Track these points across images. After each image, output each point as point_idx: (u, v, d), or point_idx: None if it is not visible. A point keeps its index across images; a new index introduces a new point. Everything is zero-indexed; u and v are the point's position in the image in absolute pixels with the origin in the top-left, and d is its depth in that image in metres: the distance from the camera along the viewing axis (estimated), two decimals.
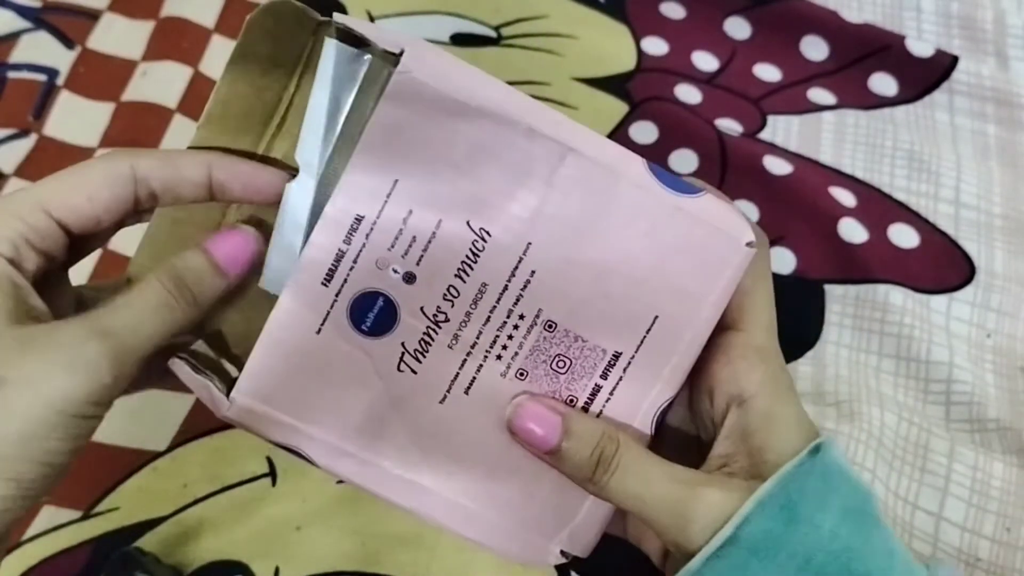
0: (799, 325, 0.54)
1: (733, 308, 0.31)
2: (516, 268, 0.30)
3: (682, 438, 0.34)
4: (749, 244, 0.30)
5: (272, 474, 0.49)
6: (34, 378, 0.26)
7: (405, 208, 0.29)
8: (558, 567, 0.46)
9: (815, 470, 0.29)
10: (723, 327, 0.31)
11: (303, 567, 0.46)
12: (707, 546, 0.28)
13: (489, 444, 0.31)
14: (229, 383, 0.31)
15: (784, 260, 0.57)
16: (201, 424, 0.50)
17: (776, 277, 0.56)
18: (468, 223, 0.29)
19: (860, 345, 0.54)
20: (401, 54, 0.28)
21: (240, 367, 0.31)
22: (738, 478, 0.30)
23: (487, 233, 0.30)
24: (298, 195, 0.30)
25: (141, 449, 0.50)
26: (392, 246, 0.30)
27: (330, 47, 0.29)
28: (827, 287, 0.56)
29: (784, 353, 0.53)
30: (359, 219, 0.29)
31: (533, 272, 0.30)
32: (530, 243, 0.30)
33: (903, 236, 0.58)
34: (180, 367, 0.31)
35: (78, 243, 0.30)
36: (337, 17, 0.29)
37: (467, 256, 0.30)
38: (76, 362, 0.26)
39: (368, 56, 0.29)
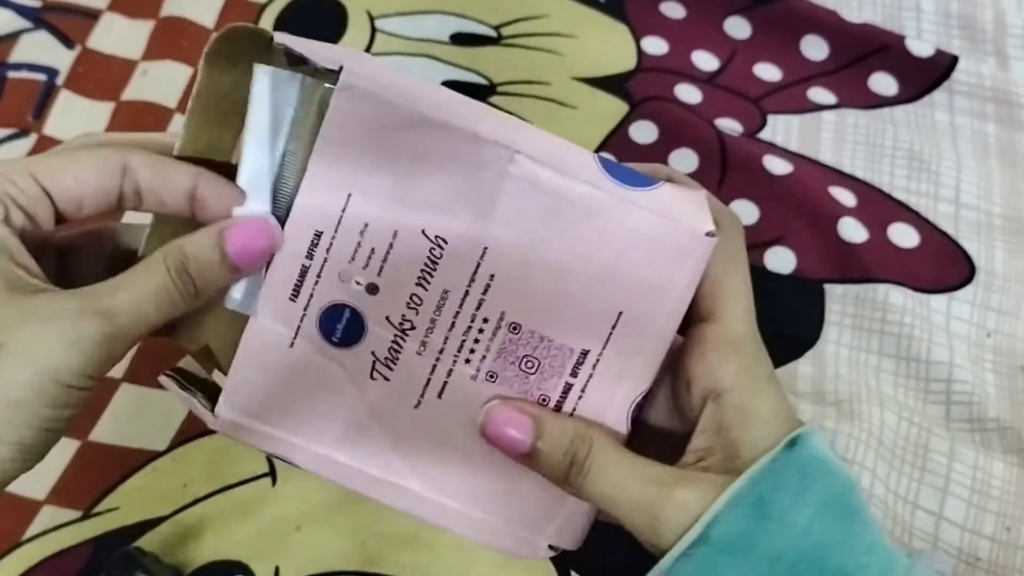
0: (799, 325, 0.54)
1: (706, 298, 0.31)
2: (475, 273, 0.30)
3: (664, 431, 0.33)
4: (709, 234, 0.29)
5: (272, 474, 0.49)
6: (31, 347, 0.27)
7: (361, 221, 0.30)
8: (557, 566, 0.46)
9: (791, 464, 0.29)
10: (698, 318, 0.31)
11: (303, 567, 0.46)
12: (676, 546, 0.28)
13: (467, 445, 0.32)
14: (216, 397, 0.31)
15: (784, 260, 0.57)
16: (201, 424, 0.50)
17: (776, 277, 0.56)
18: (424, 231, 0.30)
19: (860, 345, 0.54)
20: (340, 70, 0.28)
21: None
22: (713, 473, 0.29)
23: (443, 240, 0.30)
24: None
25: (141, 449, 0.50)
26: (352, 259, 0.30)
27: (261, 73, 0.29)
28: (827, 287, 0.56)
29: (784, 353, 0.53)
30: (318, 235, 0.30)
31: (492, 276, 0.30)
32: (486, 248, 0.30)
33: (903, 236, 0.58)
34: (168, 383, 0.31)
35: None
36: (278, 37, 0.29)
37: (426, 264, 0.30)
38: (73, 337, 0.27)
39: (301, 76, 0.30)
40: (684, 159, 0.60)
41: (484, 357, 0.31)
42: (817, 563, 0.28)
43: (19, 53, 0.63)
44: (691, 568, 0.28)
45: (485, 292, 0.30)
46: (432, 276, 0.30)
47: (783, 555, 0.27)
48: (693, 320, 0.31)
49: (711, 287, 0.31)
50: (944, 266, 0.57)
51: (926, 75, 0.65)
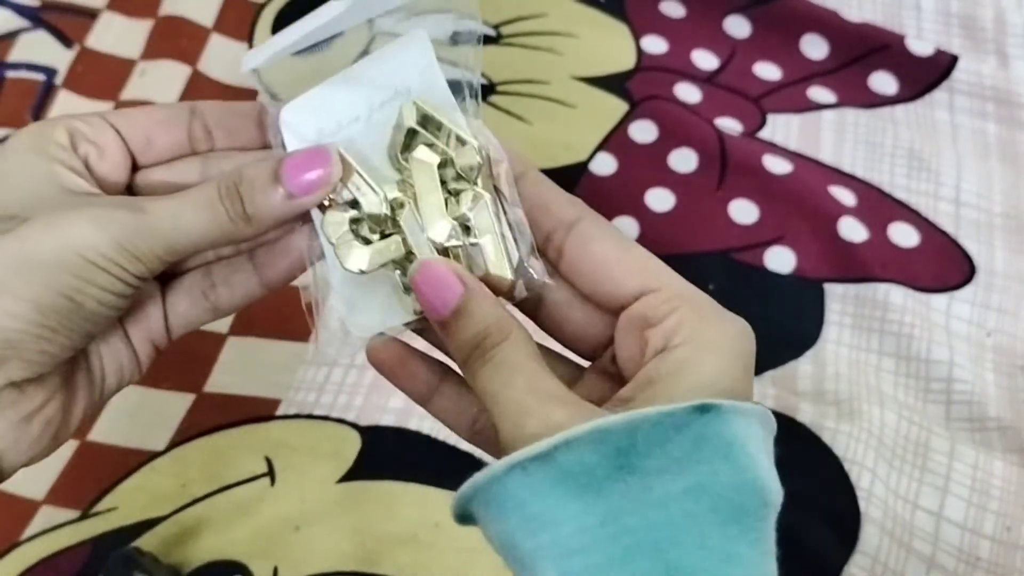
0: (799, 324, 0.54)
1: (629, 275, 0.28)
2: None
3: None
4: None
5: (271, 474, 0.49)
6: (60, 221, 0.27)
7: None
8: None
9: (687, 431, 0.25)
10: (634, 295, 0.29)
11: (302, 567, 0.46)
12: (517, 453, 0.24)
13: None
14: None
15: (784, 259, 0.56)
16: (200, 424, 0.50)
17: (776, 276, 0.56)
18: None
19: (860, 344, 0.53)
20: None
21: None
22: (642, 398, 0.26)
23: None
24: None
25: (140, 449, 0.50)
26: None
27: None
28: (827, 286, 0.56)
29: (784, 352, 0.53)
30: None
31: None
32: None
33: (903, 235, 0.57)
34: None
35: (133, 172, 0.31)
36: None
37: None
38: (102, 219, 0.27)
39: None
40: (684, 158, 0.60)
41: None
42: (653, 545, 0.24)
43: (18, 52, 0.63)
44: (523, 484, 0.25)
45: None
46: None
47: (621, 517, 0.24)
48: (626, 300, 0.29)
49: (625, 263, 0.29)
50: (944, 265, 0.57)
51: (926, 74, 0.65)
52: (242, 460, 0.49)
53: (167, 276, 0.33)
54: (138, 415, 0.51)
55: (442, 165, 0.30)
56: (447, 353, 0.30)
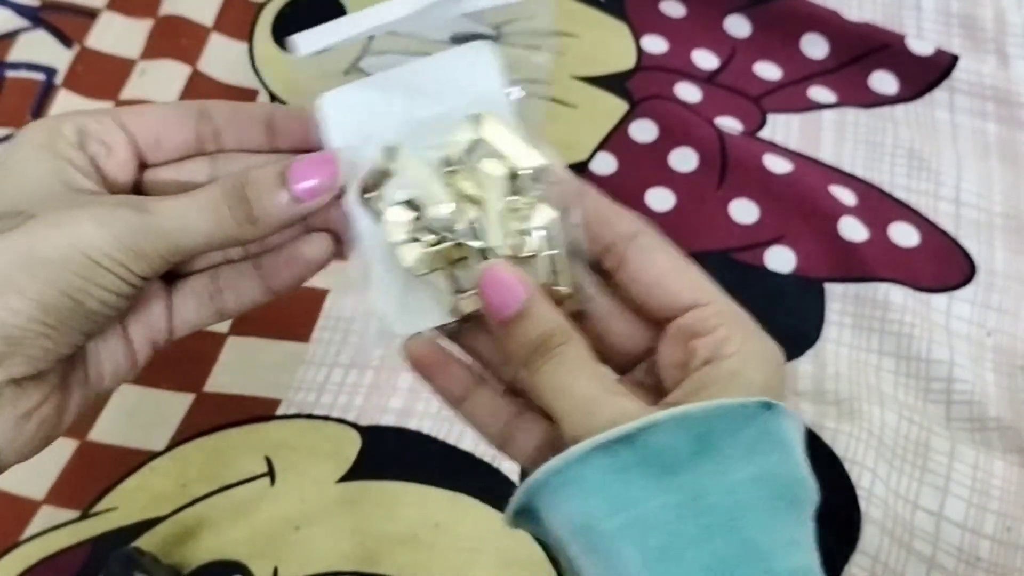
0: (799, 324, 0.54)
1: (683, 291, 0.30)
2: None
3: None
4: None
5: (271, 474, 0.49)
6: (65, 220, 0.27)
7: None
8: (557, 568, 0.46)
9: (755, 422, 0.27)
10: (685, 307, 0.30)
11: (302, 567, 0.46)
12: (601, 435, 0.26)
13: None
14: None
15: (784, 259, 0.56)
16: (199, 424, 0.50)
17: (776, 276, 0.56)
18: None
19: (860, 344, 0.53)
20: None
21: None
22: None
23: None
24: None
25: (139, 449, 0.50)
26: None
27: None
28: (827, 286, 0.56)
29: (784, 352, 0.53)
30: None
31: None
32: None
33: (903, 235, 0.57)
34: None
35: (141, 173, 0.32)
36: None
37: None
38: (106, 219, 0.27)
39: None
40: (684, 158, 0.60)
41: None
42: (730, 524, 0.26)
43: (17, 52, 0.63)
44: (605, 466, 0.26)
45: None
46: None
47: (703, 497, 0.26)
48: (676, 312, 0.30)
49: (681, 277, 0.30)
50: (944, 265, 0.57)
51: (926, 74, 0.65)
52: (242, 460, 0.49)
53: (173, 276, 0.33)
54: (138, 415, 0.51)
55: (509, 177, 0.30)
56: (478, 359, 0.33)
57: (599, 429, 0.26)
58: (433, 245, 0.30)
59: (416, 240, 0.30)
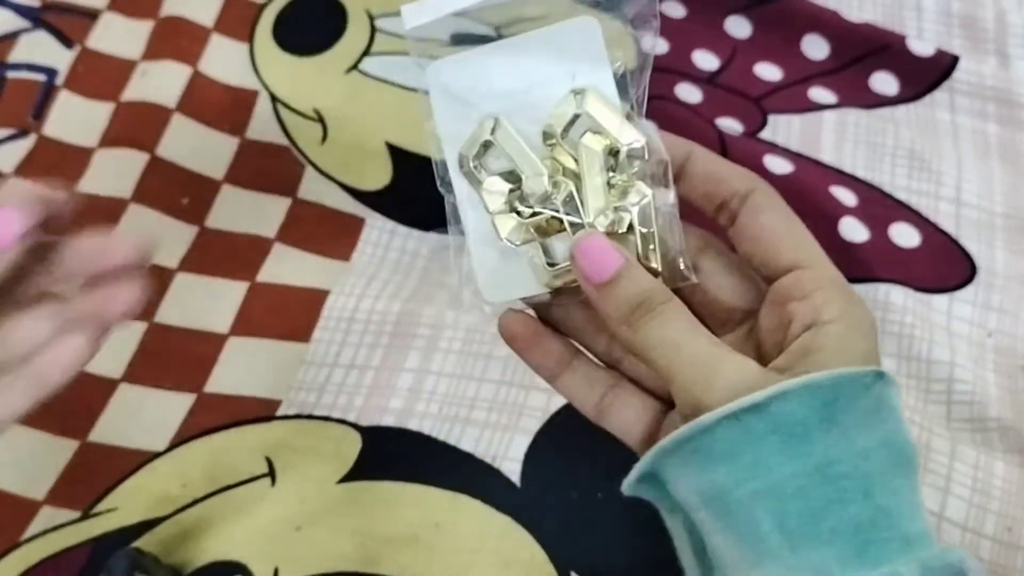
0: None
1: (786, 249, 0.31)
2: None
3: None
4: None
5: (271, 474, 0.49)
6: None
7: None
8: (557, 566, 0.46)
9: (871, 392, 0.27)
10: (785, 269, 0.30)
11: (302, 567, 0.46)
12: (731, 404, 0.26)
13: None
14: None
15: None
16: (200, 424, 0.50)
17: None
18: None
19: None
20: None
21: None
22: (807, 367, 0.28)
23: None
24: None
25: (140, 449, 0.50)
26: None
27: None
28: None
29: None
30: None
31: None
32: None
33: (904, 235, 0.57)
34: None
35: None
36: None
37: None
38: None
39: None
40: None
41: None
42: (863, 490, 0.26)
43: (18, 53, 0.63)
44: (736, 434, 0.26)
45: None
46: None
47: (834, 464, 0.26)
48: (779, 272, 0.31)
49: (786, 238, 0.31)
50: (945, 266, 0.57)
51: (927, 74, 0.65)
52: (242, 460, 0.49)
53: None
54: (138, 415, 0.51)
55: (607, 153, 0.31)
56: (570, 333, 0.33)
57: (719, 390, 0.27)
58: (529, 217, 0.31)
59: (514, 212, 0.31)
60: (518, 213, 0.31)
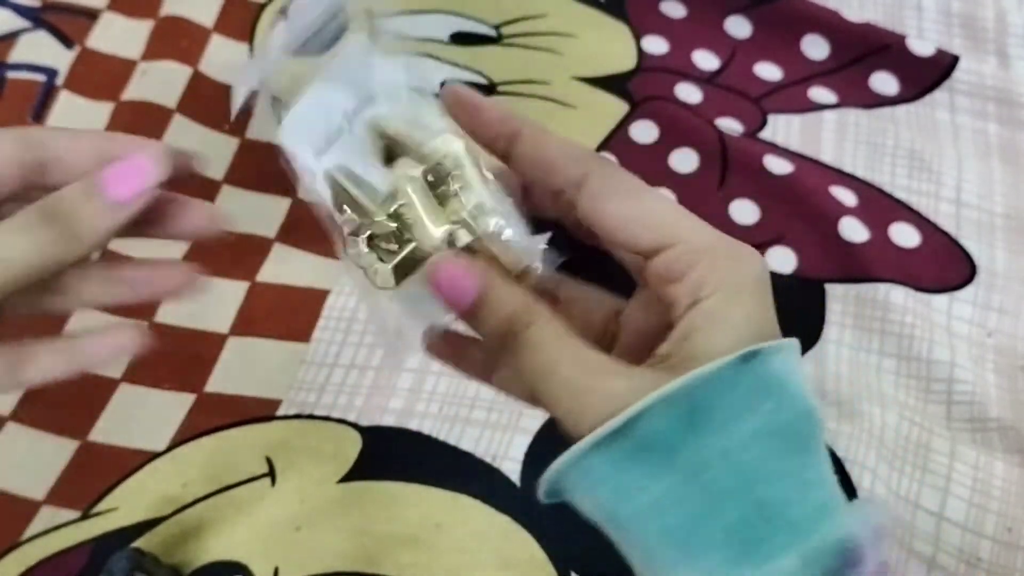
0: (800, 324, 0.54)
1: (644, 232, 0.28)
2: None
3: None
4: None
5: (271, 474, 0.49)
6: None
7: None
8: (557, 567, 0.46)
9: (740, 378, 0.26)
10: (651, 251, 0.29)
11: (303, 567, 0.46)
12: (593, 433, 0.26)
13: None
14: None
15: (785, 259, 0.56)
16: (200, 424, 0.50)
17: (776, 276, 0.56)
18: None
19: (861, 344, 0.53)
20: None
21: None
22: (660, 373, 0.27)
23: None
24: None
25: (140, 449, 0.50)
26: None
27: None
28: (828, 286, 0.56)
29: None
30: None
31: None
32: None
33: (904, 235, 0.57)
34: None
35: None
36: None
37: None
38: None
39: None
40: (685, 159, 0.60)
41: None
42: (741, 486, 0.26)
43: (18, 53, 0.63)
44: (606, 460, 0.26)
45: None
46: None
47: (707, 468, 0.26)
48: (647, 255, 0.29)
49: (639, 220, 0.28)
50: (945, 266, 0.57)
51: (927, 74, 0.65)
52: (243, 460, 0.49)
53: None
54: (138, 415, 0.51)
55: (427, 171, 0.30)
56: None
57: (590, 417, 0.26)
58: (390, 260, 0.30)
59: (379, 259, 0.30)
60: (381, 260, 0.30)
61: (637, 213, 0.28)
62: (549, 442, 0.49)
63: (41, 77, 0.62)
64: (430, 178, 0.30)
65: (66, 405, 0.51)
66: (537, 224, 0.30)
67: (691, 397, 0.26)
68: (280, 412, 0.51)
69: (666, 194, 0.59)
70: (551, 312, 0.29)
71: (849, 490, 0.47)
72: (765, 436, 0.26)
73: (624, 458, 0.26)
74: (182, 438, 0.50)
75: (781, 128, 0.62)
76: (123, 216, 0.28)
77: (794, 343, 0.28)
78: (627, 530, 0.27)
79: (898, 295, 0.54)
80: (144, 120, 0.60)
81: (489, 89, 0.63)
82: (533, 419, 0.49)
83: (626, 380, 0.27)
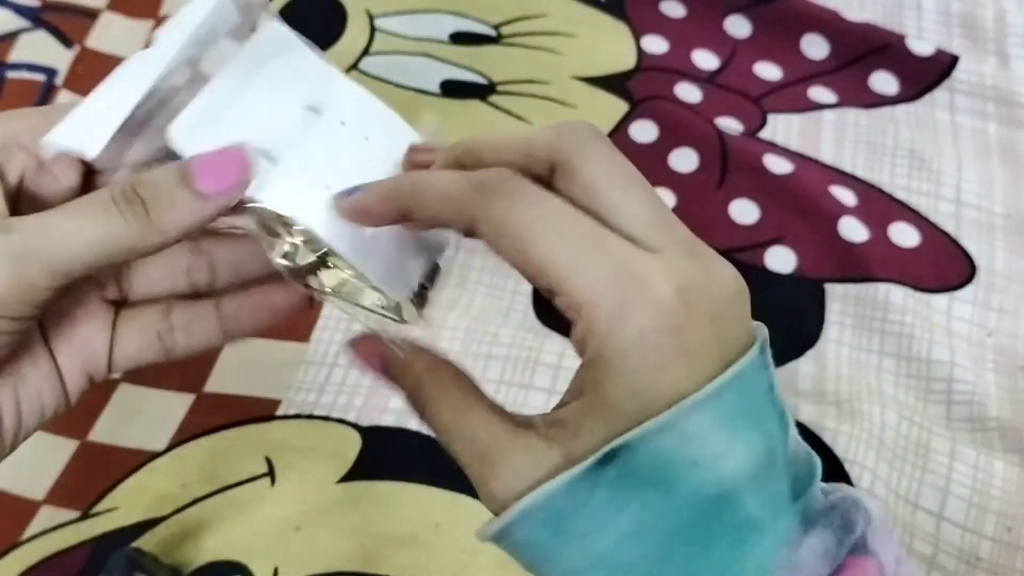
0: (799, 324, 0.54)
1: (538, 276, 0.25)
2: None
3: None
4: None
5: (271, 474, 0.48)
6: None
7: None
8: None
9: (600, 484, 0.24)
10: (550, 295, 0.25)
11: (302, 567, 0.46)
12: (479, 532, 0.26)
13: None
14: None
15: (784, 259, 0.56)
16: (200, 424, 0.50)
17: (776, 276, 0.56)
18: None
19: (861, 344, 0.53)
20: None
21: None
22: (553, 443, 0.25)
23: None
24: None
25: (140, 449, 0.50)
26: None
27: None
28: (827, 286, 0.56)
29: (784, 352, 0.53)
30: None
31: None
32: None
33: (904, 235, 0.57)
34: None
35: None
36: None
37: None
38: None
39: None
40: (684, 158, 0.60)
41: None
42: None
43: (18, 53, 0.63)
44: (505, 548, 0.26)
45: None
46: None
47: (576, 573, 0.25)
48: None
49: (530, 265, 0.25)
50: (945, 265, 0.57)
51: (927, 74, 0.65)
52: (242, 460, 0.49)
53: (120, 303, 0.30)
54: (138, 415, 0.51)
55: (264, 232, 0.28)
56: None
57: (492, 506, 0.26)
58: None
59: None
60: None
61: (521, 260, 0.25)
62: None
63: (41, 77, 0.62)
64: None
65: None
66: None
67: (549, 508, 0.24)
68: (280, 412, 0.51)
69: (666, 193, 0.59)
70: (444, 372, 0.28)
71: None
72: (632, 538, 0.24)
73: (514, 552, 0.26)
74: (182, 438, 0.50)
75: (781, 128, 0.62)
76: (209, 212, 0.26)
77: (720, 387, 0.24)
78: None
79: (898, 295, 0.54)
80: None
81: (489, 89, 0.63)
82: None
83: (519, 462, 0.25)
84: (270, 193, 0.27)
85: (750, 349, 0.25)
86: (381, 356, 0.28)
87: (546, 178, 0.27)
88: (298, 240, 0.28)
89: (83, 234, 0.25)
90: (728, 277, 0.26)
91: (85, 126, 0.27)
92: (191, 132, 0.27)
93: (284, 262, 0.28)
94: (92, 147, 0.27)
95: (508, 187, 0.25)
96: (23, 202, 0.28)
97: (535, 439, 0.25)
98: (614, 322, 0.24)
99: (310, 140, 0.29)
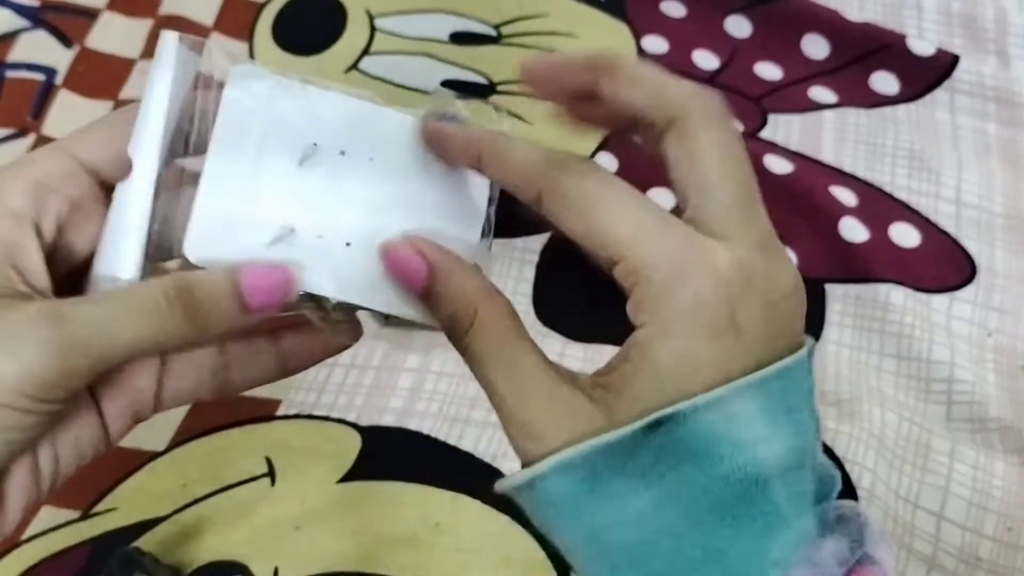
0: None
1: (600, 245, 0.26)
2: None
3: None
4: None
5: (271, 474, 0.48)
6: None
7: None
8: (557, 566, 0.46)
9: (644, 449, 0.24)
10: (611, 264, 0.26)
11: (302, 567, 0.46)
12: (508, 480, 0.26)
13: None
14: None
15: None
16: (200, 424, 0.50)
17: None
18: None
19: (861, 344, 0.53)
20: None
21: None
22: (594, 406, 0.25)
23: None
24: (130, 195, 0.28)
25: (140, 449, 0.50)
26: None
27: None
28: (828, 286, 0.56)
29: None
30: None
31: None
32: None
33: (904, 235, 0.57)
34: None
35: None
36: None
37: None
38: (13, 345, 0.24)
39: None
40: None
41: None
42: (633, 560, 0.25)
43: (17, 53, 0.63)
44: (527, 501, 0.27)
45: None
46: None
47: (602, 535, 0.25)
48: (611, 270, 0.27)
49: (596, 237, 0.26)
50: (945, 266, 0.57)
51: (927, 74, 0.65)
52: (242, 460, 0.49)
53: None
54: None
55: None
56: None
57: (518, 451, 0.27)
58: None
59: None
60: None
61: (585, 229, 0.26)
62: None
63: (40, 76, 0.62)
64: None
65: None
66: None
67: (589, 466, 0.25)
68: (280, 412, 0.50)
69: (667, 194, 0.59)
70: (499, 309, 0.27)
71: (849, 490, 0.47)
72: (667, 508, 0.24)
73: (538, 507, 0.26)
74: (182, 438, 0.50)
75: (781, 128, 0.62)
76: (252, 321, 0.27)
77: (760, 380, 0.24)
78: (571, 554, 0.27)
79: (898, 295, 0.54)
80: None
81: (489, 89, 0.63)
82: None
83: (560, 418, 0.26)
84: (307, 282, 0.28)
85: (799, 349, 0.26)
86: (420, 272, 0.28)
87: (657, 129, 0.28)
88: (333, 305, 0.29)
89: (132, 331, 0.25)
90: (790, 275, 0.26)
91: (115, 251, 0.28)
92: (206, 245, 0.28)
93: (323, 324, 0.30)
94: (127, 270, 0.28)
95: (581, 167, 0.27)
96: (59, 250, 0.28)
97: (579, 394, 0.26)
98: (672, 285, 0.24)
99: (317, 192, 0.29)
